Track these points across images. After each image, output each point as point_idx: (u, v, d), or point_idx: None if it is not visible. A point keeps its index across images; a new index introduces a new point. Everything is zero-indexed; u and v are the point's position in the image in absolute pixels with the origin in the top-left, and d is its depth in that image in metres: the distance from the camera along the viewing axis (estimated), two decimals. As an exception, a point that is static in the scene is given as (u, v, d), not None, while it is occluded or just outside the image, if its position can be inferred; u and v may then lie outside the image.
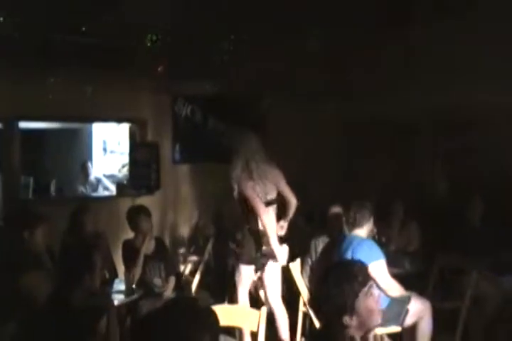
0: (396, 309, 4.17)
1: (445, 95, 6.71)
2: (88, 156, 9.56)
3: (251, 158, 4.91)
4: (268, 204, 4.86)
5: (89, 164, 8.69)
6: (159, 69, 6.85)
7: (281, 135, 8.25)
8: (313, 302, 4.31)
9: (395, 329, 4.22)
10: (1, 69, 6.24)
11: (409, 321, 4.26)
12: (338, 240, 4.76)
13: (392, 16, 6.24)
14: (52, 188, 8.08)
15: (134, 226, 5.29)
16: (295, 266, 5.14)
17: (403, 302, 4.18)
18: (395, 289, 4.26)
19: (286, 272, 5.15)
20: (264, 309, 3.59)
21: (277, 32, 7.43)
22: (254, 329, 3.57)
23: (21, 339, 3.22)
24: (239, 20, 7.25)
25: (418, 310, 4.31)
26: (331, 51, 8.15)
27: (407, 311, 4.16)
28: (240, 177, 4.86)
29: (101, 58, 6.59)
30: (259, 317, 3.53)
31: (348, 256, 4.31)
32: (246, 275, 5.06)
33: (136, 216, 5.28)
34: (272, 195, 4.89)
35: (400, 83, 7.18)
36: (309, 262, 5.36)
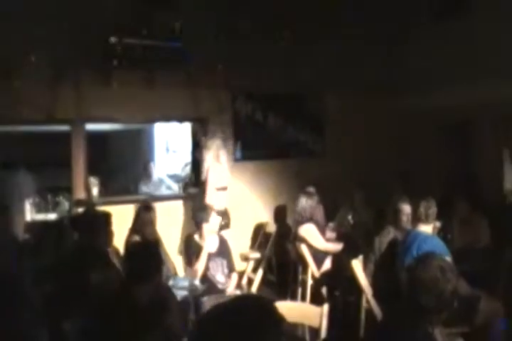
0: (465, 308, 4.01)
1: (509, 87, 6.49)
2: (151, 156, 9.68)
3: None
4: None
5: (152, 164, 8.76)
6: (219, 67, 6.95)
7: (341, 133, 8.26)
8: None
9: (466, 329, 4.05)
10: (67, 72, 6.42)
11: (479, 321, 4.12)
12: (404, 236, 4.66)
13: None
14: (117, 188, 8.21)
15: (199, 221, 5.33)
16: (357, 263, 5.08)
17: (473, 301, 4.07)
18: (463, 288, 4.10)
19: (348, 269, 5.09)
20: (326, 306, 3.55)
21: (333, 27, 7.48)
22: (316, 326, 3.54)
23: (91, 333, 3.28)
24: (295, 19, 7.32)
25: (489, 309, 4.18)
26: (388, 43, 8.17)
27: (477, 311, 4.05)
28: None
29: (161, 58, 6.72)
30: (321, 314, 3.51)
31: (413, 252, 4.20)
32: None
33: (203, 213, 5.34)
34: None
35: (462, 76, 7.03)
36: (373, 259, 5.29)
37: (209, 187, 6.54)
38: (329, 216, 6.64)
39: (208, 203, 6.01)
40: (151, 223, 5.39)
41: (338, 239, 6.16)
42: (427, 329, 2.50)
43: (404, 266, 4.17)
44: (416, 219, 4.55)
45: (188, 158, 8.14)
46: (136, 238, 5.15)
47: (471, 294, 4.13)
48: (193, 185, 7.49)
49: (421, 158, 8.05)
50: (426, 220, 4.47)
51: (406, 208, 5.19)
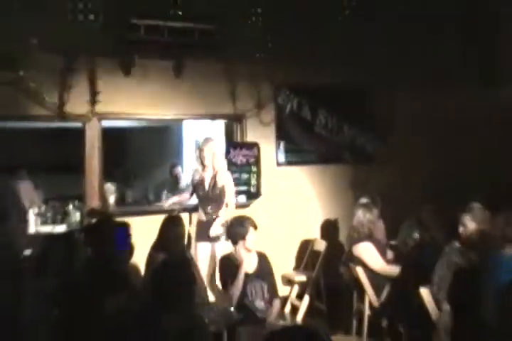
0: None
1: None
2: (178, 159, 9.72)
3: None
4: None
5: (180, 168, 8.79)
6: (258, 55, 6.96)
7: (408, 134, 8.22)
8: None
9: None
10: (80, 61, 6.52)
11: None
12: (484, 259, 4.55)
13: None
14: (138, 196, 8.31)
15: (235, 239, 5.31)
16: (426, 291, 4.99)
17: None
18: None
19: (415, 298, 5.01)
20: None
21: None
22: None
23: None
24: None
25: None
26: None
27: None
28: None
29: (191, 44, 6.81)
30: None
31: (505, 278, 4.10)
32: None
33: (240, 228, 5.31)
34: None
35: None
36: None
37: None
38: (391, 233, 6.51)
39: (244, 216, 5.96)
40: (180, 238, 5.40)
41: (402, 260, 6.02)
42: None
43: (487, 291, 4.11)
44: (503, 238, 4.43)
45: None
46: (161, 256, 5.12)
47: None
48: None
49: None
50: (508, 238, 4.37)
51: (482, 224, 5.07)
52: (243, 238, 5.26)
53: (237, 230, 5.33)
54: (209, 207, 6.54)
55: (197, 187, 6.68)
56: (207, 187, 6.59)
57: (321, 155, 7.96)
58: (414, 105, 8.14)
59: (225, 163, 6.87)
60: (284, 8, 7.03)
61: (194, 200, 6.82)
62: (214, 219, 6.47)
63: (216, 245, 6.41)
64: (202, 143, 6.71)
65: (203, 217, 6.55)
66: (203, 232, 6.46)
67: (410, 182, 7.93)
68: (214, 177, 6.59)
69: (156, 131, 10.14)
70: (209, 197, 6.57)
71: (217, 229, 6.40)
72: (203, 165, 6.63)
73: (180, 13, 6.60)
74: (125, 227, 4.73)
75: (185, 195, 6.95)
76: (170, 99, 7.08)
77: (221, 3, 6.74)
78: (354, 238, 5.94)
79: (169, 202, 6.93)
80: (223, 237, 6.24)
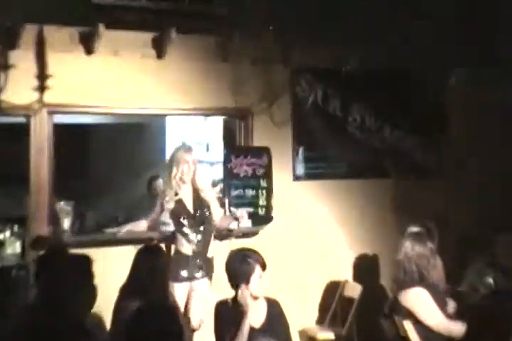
0: None
1: None
2: (160, 169, 9.53)
3: None
4: None
5: (162, 182, 8.69)
6: (269, 27, 7.06)
7: (474, 139, 8.36)
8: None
9: None
10: (39, 36, 6.52)
11: None
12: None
13: None
14: (103, 219, 8.27)
15: (237, 281, 5.22)
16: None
17: None
18: None
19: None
20: None
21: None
22: None
23: None
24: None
25: None
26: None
27: None
28: None
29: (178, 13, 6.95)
30: None
31: None
32: None
33: (243, 266, 5.23)
34: None
35: None
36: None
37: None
38: (453, 275, 6.46)
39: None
40: (160, 277, 5.39)
41: (470, 314, 5.93)
42: None
43: None
44: None
45: (219, 173, 8.17)
46: (136, 302, 4.98)
47: None
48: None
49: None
50: None
51: None
52: (247, 280, 5.19)
53: (238, 269, 5.25)
54: (197, 235, 6.59)
55: (175, 211, 6.70)
56: (191, 208, 6.65)
57: (353, 166, 8.01)
58: (484, 97, 8.18)
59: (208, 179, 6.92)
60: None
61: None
62: (204, 251, 6.58)
63: (200, 284, 6.57)
64: (179, 152, 6.77)
65: (186, 249, 6.57)
66: (186, 269, 6.53)
67: (479, 205, 7.99)
68: (197, 195, 6.71)
69: (130, 131, 10.14)
70: (196, 222, 6.62)
71: None
72: (182, 181, 6.70)
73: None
74: (85, 263, 4.63)
75: (141, 224, 6.97)
76: (149, 86, 7.09)
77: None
78: (401, 281, 5.80)
79: (122, 230, 6.94)
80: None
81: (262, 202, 7.47)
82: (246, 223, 7.23)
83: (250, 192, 7.42)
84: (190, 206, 6.65)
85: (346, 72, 7.73)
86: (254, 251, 5.35)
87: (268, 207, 7.48)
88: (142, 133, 10.31)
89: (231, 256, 5.44)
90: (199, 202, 6.67)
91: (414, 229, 6.52)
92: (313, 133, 7.80)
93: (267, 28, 6.97)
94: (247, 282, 5.17)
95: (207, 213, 6.65)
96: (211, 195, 6.83)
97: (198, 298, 6.55)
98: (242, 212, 6.88)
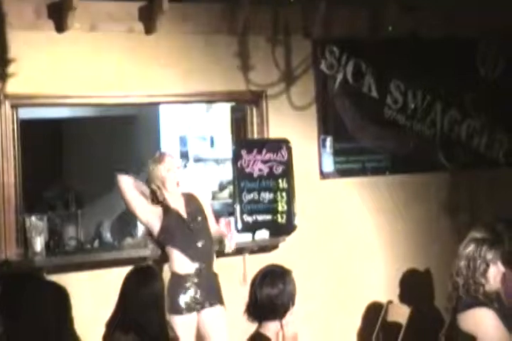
0: None
1: None
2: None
3: None
4: None
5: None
6: None
7: None
8: None
9: None
10: None
11: None
12: None
13: None
14: (85, 237, 8.34)
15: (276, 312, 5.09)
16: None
17: None
18: None
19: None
20: None
21: None
22: None
23: None
24: None
25: None
26: None
27: None
28: None
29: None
30: None
31: None
32: None
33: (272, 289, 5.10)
34: None
35: None
36: None
37: None
38: None
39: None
40: (156, 306, 5.30)
41: None
42: None
43: None
44: None
45: (227, 174, 8.26)
46: (128, 337, 5.05)
47: None
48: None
49: None
50: None
51: None
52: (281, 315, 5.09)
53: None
54: (196, 251, 6.60)
55: (168, 226, 6.69)
56: (187, 217, 6.69)
57: (396, 158, 8.12)
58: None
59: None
60: None
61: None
62: (207, 270, 6.57)
63: (211, 314, 6.51)
64: (160, 160, 6.83)
65: (186, 268, 6.54)
66: (189, 294, 6.53)
67: None
68: (188, 202, 6.76)
69: (115, 125, 10.09)
70: (195, 234, 6.62)
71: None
72: (166, 191, 6.75)
73: None
74: (61, 291, 4.51)
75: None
76: (137, 68, 7.13)
77: None
78: (460, 301, 5.78)
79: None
80: None
81: (282, 207, 7.47)
82: (263, 234, 7.30)
83: (267, 196, 7.43)
84: (185, 215, 6.67)
85: (383, 42, 7.79)
86: (287, 271, 5.20)
87: (290, 214, 7.47)
88: (130, 128, 10.23)
89: (260, 277, 5.36)
90: (195, 212, 6.70)
91: (478, 234, 6.48)
92: (343, 119, 7.81)
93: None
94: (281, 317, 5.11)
95: (203, 224, 6.68)
96: (204, 200, 6.89)
97: (213, 334, 6.49)
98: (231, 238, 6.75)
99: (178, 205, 6.72)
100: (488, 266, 5.78)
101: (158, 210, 6.71)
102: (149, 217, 6.72)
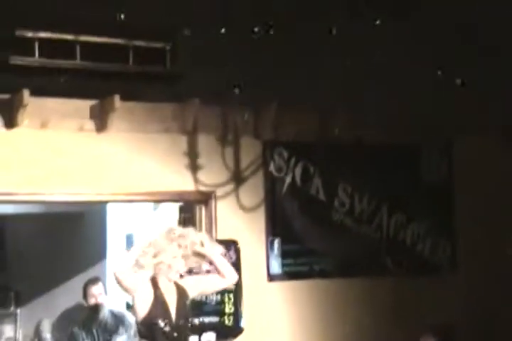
0: None
1: None
2: (99, 271, 9.51)
3: None
4: None
5: (102, 288, 8.53)
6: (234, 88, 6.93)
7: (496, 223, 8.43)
8: None
9: None
10: None
11: None
12: None
13: None
14: (24, 337, 8.24)
15: None
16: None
17: None
18: None
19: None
20: None
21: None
22: None
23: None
24: None
25: None
26: None
27: None
28: None
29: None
30: None
31: None
32: None
33: None
34: None
35: None
36: None
37: None
38: None
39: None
40: None
41: None
42: None
43: None
44: None
45: None
46: None
47: None
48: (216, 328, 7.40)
49: None
50: None
51: None
52: None
53: None
54: None
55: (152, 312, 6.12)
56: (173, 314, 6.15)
57: (342, 261, 8.06)
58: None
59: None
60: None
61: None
62: None
63: None
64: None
65: None
66: None
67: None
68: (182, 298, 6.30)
69: (61, 222, 10.07)
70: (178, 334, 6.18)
71: None
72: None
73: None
74: None
75: None
76: (84, 166, 7.14)
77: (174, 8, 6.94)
78: None
79: None
80: None
81: (228, 309, 7.43)
82: (209, 337, 7.18)
83: (215, 297, 7.32)
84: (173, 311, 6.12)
85: (332, 145, 7.84)
86: None
87: (237, 316, 7.41)
88: (76, 225, 10.20)
89: None
90: (184, 308, 6.15)
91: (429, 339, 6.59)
92: (291, 221, 7.81)
93: (232, 90, 6.92)
94: None
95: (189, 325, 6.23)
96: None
97: None
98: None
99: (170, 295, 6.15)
100: None
101: None
102: None
